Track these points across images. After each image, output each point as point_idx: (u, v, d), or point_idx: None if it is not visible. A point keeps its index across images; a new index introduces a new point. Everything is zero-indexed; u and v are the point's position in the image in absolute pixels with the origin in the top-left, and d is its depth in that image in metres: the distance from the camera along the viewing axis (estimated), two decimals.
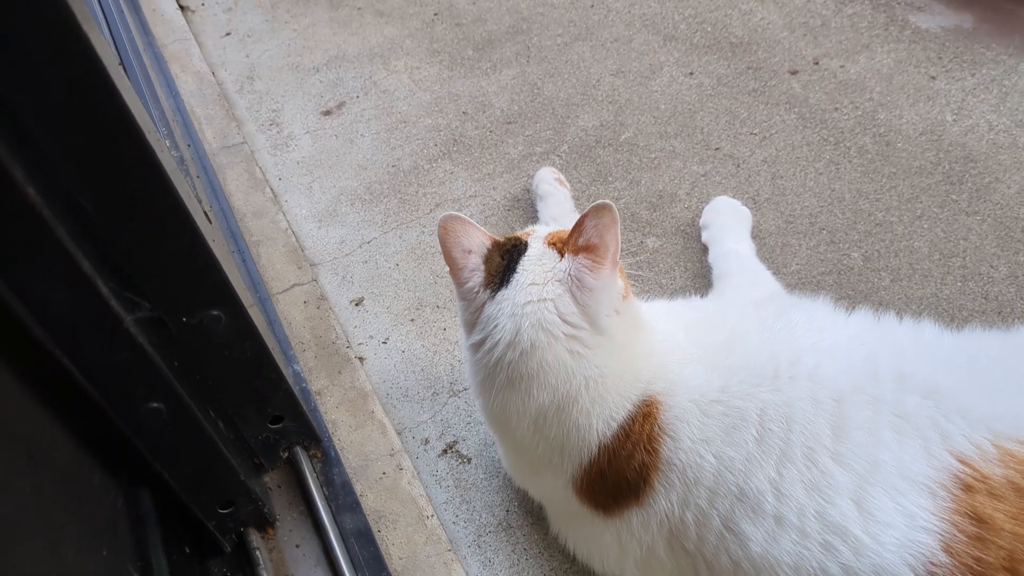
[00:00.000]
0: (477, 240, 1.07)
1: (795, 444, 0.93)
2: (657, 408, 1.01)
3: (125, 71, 1.23)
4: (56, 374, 0.75)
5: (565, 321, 0.99)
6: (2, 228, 0.65)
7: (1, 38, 0.61)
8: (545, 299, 0.99)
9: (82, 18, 0.65)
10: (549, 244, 1.06)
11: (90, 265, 0.70)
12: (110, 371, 0.78)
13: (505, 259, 1.04)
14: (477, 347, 1.04)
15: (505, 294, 1.01)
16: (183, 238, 0.79)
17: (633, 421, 1.00)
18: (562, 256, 1.03)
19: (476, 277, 1.05)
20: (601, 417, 1.00)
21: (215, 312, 0.87)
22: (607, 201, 0.98)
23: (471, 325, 1.05)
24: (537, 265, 1.03)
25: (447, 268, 1.09)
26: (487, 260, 1.06)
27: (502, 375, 1.00)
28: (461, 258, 1.06)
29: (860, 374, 0.98)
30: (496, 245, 1.07)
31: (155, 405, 0.83)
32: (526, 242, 1.07)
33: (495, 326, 1.01)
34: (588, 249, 1.00)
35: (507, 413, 1.03)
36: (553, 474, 1.06)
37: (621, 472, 1.00)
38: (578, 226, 1.01)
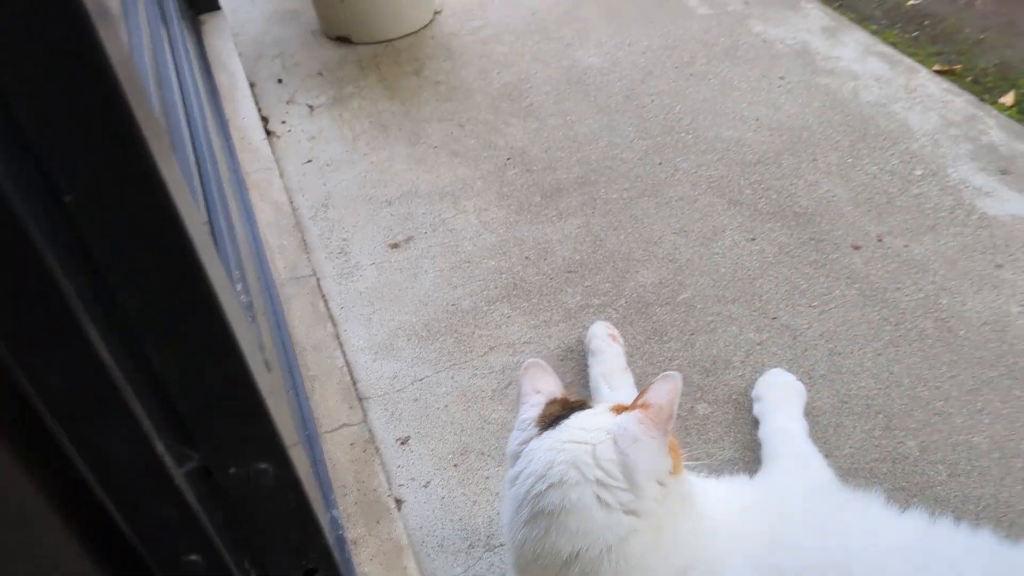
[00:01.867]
0: (550, 387, 1.14)
1: None
2: None
3: (210, 220, 1.29)
4: (103, 523, 0.77)
5: (600, 466, 0.99)
6: (76, 388, 0.68)
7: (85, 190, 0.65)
8: (587, 442, 1.01)
9: (173, 187, 0.69)
10: (610, 408, 1.09)
11: (151, 424, 0.72)
12: (154, 523, 0.79)
13: (564, 410, 1.08)
14: (513, 480, 1.05)
15: (551, 433, 1.04)
16: (241, 394, 0.81)
17: None
18: (617, 417, 1.05)
19: (534, 411, 1.10)
20: None
21: (263, 465, 0.89)
22: (675, 372, 1.04)
23: (514, 458, 1.07)
24: (591, 417, 1.06)
25: (519, 400, 1.16)
26: (549, 404, 1.11)
27: (526, 509, 1.00)
28: (530, 393, 1.13)
29: None
30: (564, 399, 1.13)
31: (193, 558, 0.83)
32: (590, 405, 1.10)
33: (532, 459, 1.02)
34: (644, 407, 1.03)
35: (523, 554, 1.01)
36: None
37: None
38: (642, 392, 1.06)
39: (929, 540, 1.06)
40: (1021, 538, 1.06)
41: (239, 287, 1.25)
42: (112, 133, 0.63)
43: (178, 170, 0.79)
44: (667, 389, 1.03)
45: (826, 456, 1.46)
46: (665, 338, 1.76)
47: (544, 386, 1.14)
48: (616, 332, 1.71)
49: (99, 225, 0.69)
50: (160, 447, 0.74)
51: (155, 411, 0.73)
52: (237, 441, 0.85)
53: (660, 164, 2.23)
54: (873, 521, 1.09)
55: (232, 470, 0.87)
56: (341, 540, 1.25)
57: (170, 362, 0.76)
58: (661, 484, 1.01)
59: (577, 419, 1.05)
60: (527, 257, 2.00)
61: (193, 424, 0.81)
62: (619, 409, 1.07)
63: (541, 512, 0.99)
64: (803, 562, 0.99)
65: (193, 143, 1.44)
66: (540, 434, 1.06)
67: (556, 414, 1.08)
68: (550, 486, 0.99)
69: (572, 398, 1.14)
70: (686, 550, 1.01)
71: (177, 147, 1.26)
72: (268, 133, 2.44)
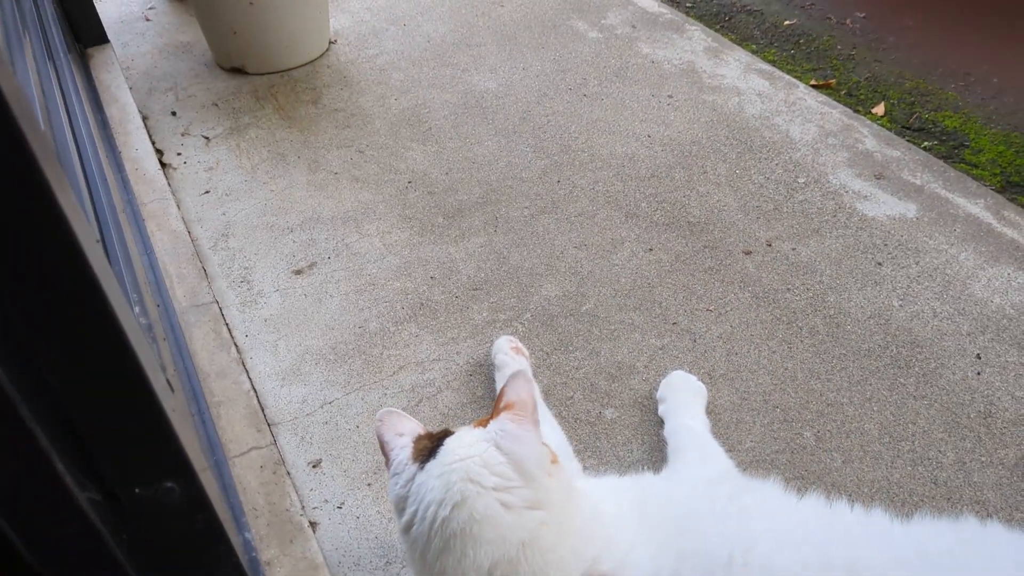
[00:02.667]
0: (410, 428, 1.14)
1: None
2: None
3: (103, 240, 1.27)
4: (3, 551, 0.75)
5: (493, 472, 1.01)
6: None
7: None
8: (472, 456, 1.02)
9: (64, 202, 0.69)
10: (475, 425, 1.11)
11: (48, 442, 0.71)
12: (56, 545, 0.77)
13: (434, 442, 1.09)
14: (410, 523, 1.04)
15: (433, 462, 1.05)
16: (144, 413, 0.80)
17: None
18: (486, 427, 1.08)
19: (405, 452, 1.09)
20: None
21: (169, 484, 0.87)
22: (520, 370, 1.09)
23: (402, 501, 1.07)
24: (464, 436, 1.08)
25: (382, 454, 1.14)
26: (417, 441, 1.11)
27: (436, 539, 1.00)
28: (393, 440, 1.12)
29: (812, 564, 0.98)
30: (428, 434, 1.13)
31: None
32: (454, 431, 1.12)
33: (425, 491, 1.02)
34: (509, 407, 1.07)
35: None
36: None
37: None
38: (499, 396, 1.09)
39: (826, 520, 1.11)
40: (911, 515, 1.12)
41: (137, 310, 1.23)
42: (3, 158, 0.62)
43: (71, 192, 0.79)
44: (521, 383, 1.08)
45: (729, 450, 1.51)
46: (571, 348, 1.80)
47: (404, 428, 1.14)
48: (520, 345, 1.74)
49: None
50: (60, 468, 0.72)
51: (55, 431, 0.72)
52: (142, 460, 0.84)
53: (559, 182, 2.28)
54: (773, 505, 1.14)
55: (137, 490, 0.86)
56: (255, 562, 1.23)
57: (68, 380, 0.75)
58: (549, 475, 1.04)
59: (452, 441, 1.06)
60: (432, 277, 2.02)
61: (95, 444, 0.79)
62: (484, 422, 1.09)
63: (453, 535, 0.99)
64: (708, 545, 1.02)
65: (84, 173, 1.41)
66: (422, 467, 1.06)
67: (429, 447, 1.08)
68: (454, 507, 0.99)
69: (435, 431, 1.14)
70: (593, 539, 1.03)
71: (68, 176, 1.24)
72: (163, 165, 2.39)
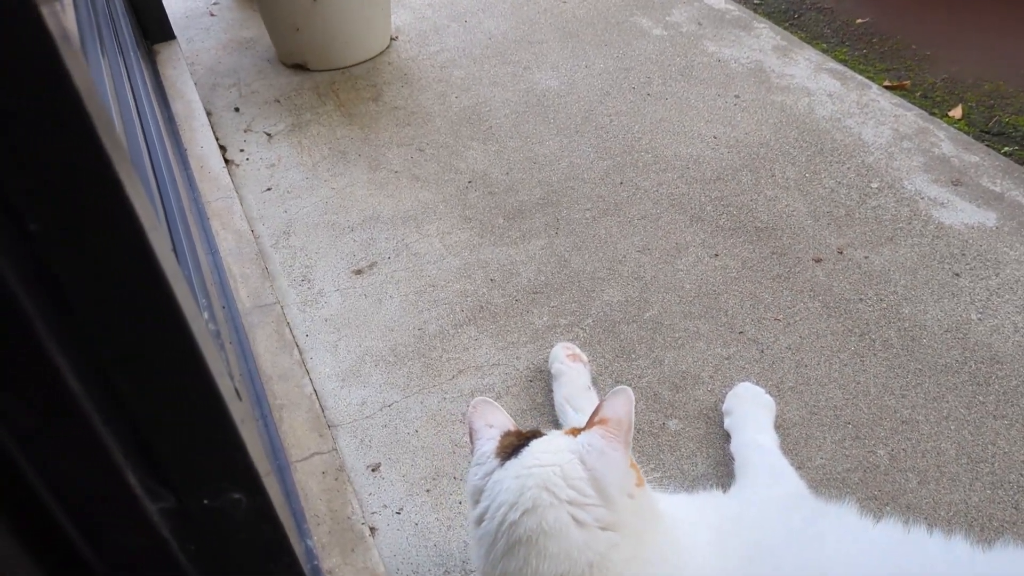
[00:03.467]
0: (501, 420, 1.13)
1: None
2: None
3: (173, 243, 1.27)
4: (72, 557, 0.74)
5: (571, 485, 0.98)
6: (41, 416, 0.65)
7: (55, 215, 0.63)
8: (553, 464, 1.00)
9: (139, 209, 0.68)
10: (567, 432, 1.09)
11: (122, 456, 0.70)
12: (127, 556, 0.76)
13: (520, 440, 1.08)
14: (481, 517, 1.03)
15: (515, 461, 1.03)
16: (214, 423, 0.79)
17: None
18: (576, 437, 1.05)
19: (491, 444, 1.08)
20: None
21: (236, 495, 0.86)
22: (625, 386, 1.05)
23: (478, 493, 1.06)
24: (551, 441, 1.06)
25: (468, 440, 1.14)
26: (505, 435, 1.10)
27: (502, 541, 0.98)
28: (482, 429, 1.11)
29: None
30: (517, 431, 1.12)
31: None
32: (544, 433, 1.10)
33: (500, 489, 1.01)
34: (603, 422, 1.04)
35: None
36: None
37: None
38: (596, 410, 1.06)
39: (904, 548, 1.06)
40: (992, 542, 1.07)
41: (206, 315, 1.23)
42: (79, 159, 0.61)
43: (145, 196, 0.78)
44: (621, 402, 1.04)
45: (798, 468, 1.46)
46: (633, 356, 1.76)
47: (496, 420, 1.13)
48: (578, 351, 1.70)
49: (65, 253, 0.67)
50: (132, 480, 0.72)
51: (127, 442, 0.71)
52: (210, 471, 0.83)
53: (621, 183, 2.24)
54: (848, 531, 1.10)
55: (205, 501, 0.85)
56: (316, 570, 1.22)
57: (140, 391, 0.74)
58: (630, 496, 1.01)
59: (538, 444, 1.05)
60: (492, 279, 2.00)
61: (165, 455, 0.78)
62: (575, 432, 1.07)
63: (519, 541, 0.97)
64: (782, 573, 0.98)
65: (154, 172, 1.41)
66: (502, 464, 1.04)
67: (514, 444, 1.07)
68: (524, 512, 0.97)
69: (525, 430, 1.13)
70: (665, 564, 1.00)
71: (140, 176, 1.24)
72: (227, 162, 2.41)
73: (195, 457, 0.79)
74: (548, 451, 1.03)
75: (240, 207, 2.12)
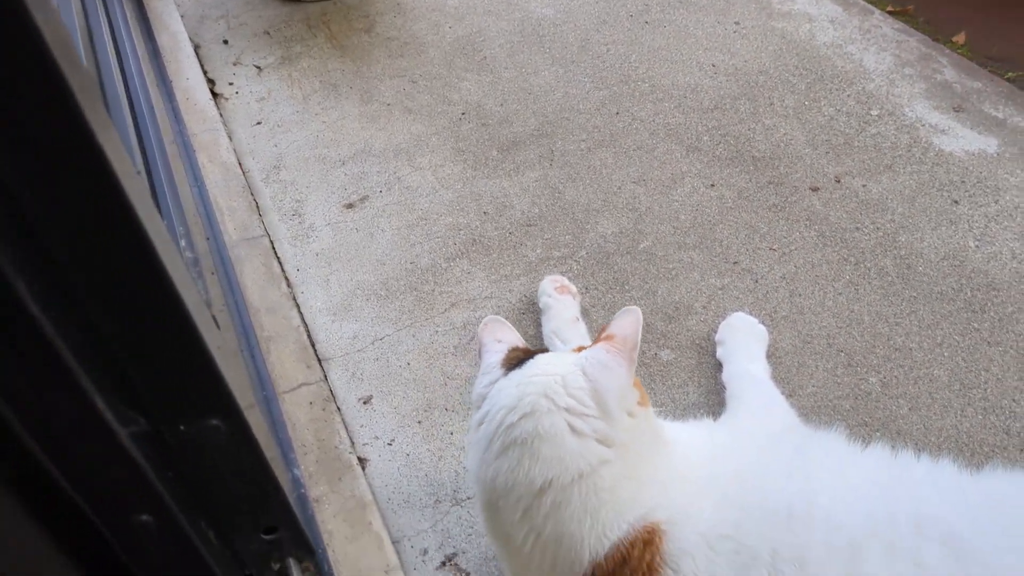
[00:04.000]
0: (511, 337, 1.15)
1: None
2: (660, 537, 0.97)
3: (149, 172, 1.24)
4: (42, 482, 0.74)
5: (570, 394, 0.99)
6: (6, 342, 0.64)
7: (13, 137, 0.62)
8: (554, 373, 1.01)
9: (98, 128, 0.66)
10: (573, 350, 1.10)
11: (89, 380, 0.69)
12: (100, 483, 0.76)
13: (526, 355, 1.09)
14: (480, 421, 1.05)
15: (517, 372, 1.04)
16: (187, 350, 0.78)
17: (632, 546, 0.97)
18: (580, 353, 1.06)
19: (499, 356, 1.10)
20: (593, 531, 0.97)
21: (214, 422, 0.86)
22: (634, 307, 1.07)
23: (480, 399, 1.07)
24: (556, 356, 1.07)
25: (478, 355, 1.16)
26: (512, 350, 1.11)
27: (498, 442, 1.00)
28: (491, 343, 1.13)
29: (876, 517, 0.94)
30: (525, 348, 1.14)
31: (144, 518, 0.80)
32: (550, 350, 1.12)
33: (501, 395, 1.02)
34: (609, 338, 1.04)
35: (496, 488, 1.00)
36: None
37: None
38: (603, 327, 1.08)
39: (892, 473, 1.06)
40: (982, 466, 1.06)
41: (183, 243, 1.21)
42: (37, 81, 0.59)
43: (109, 121, 0.76)
44: (629, 321, 1.05)
45: (790, 396, 1.46)
46: (627, 287, 1.74)
47: (505, 337, 1.14)
48: (567, 282, 1.69)
49: (25, 176, 0.65)
50: (102, 405, 0.71)
51: (96, 369, 0.70)
52: (185, 397, 0.82)
53: (617, 114, 2.20)
54: (836, 458, 1.09)
55: (182, 427, 0.85)
56: (303, 499, 1.23)
57: (110, 317, 0.73)
58: (630, 415, 1.02)
59: (542, 357, 1.06)
60: (485, 212, 1.97)
61: (138, 381, 0.77)
62: (580, 349, 1.07)
63: (514, 442, 0.98)
64: (769, 499, 0.98)
65: (130, 101, 1.38)
66: (506, 374, 1.06)
67: (520, 358, 1.08)
68: (522, 416, 0.98)
69: (532, 348, 1.14)
70: (654, 488, 1.00)
71: (112, 104, 1.21)
72: (215, 95, 2.37)
73: (167, 383, 0.79)
74: (551, 363, 1.04)
75: (227, 140, 2.08)
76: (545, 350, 1.12)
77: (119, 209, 0.69)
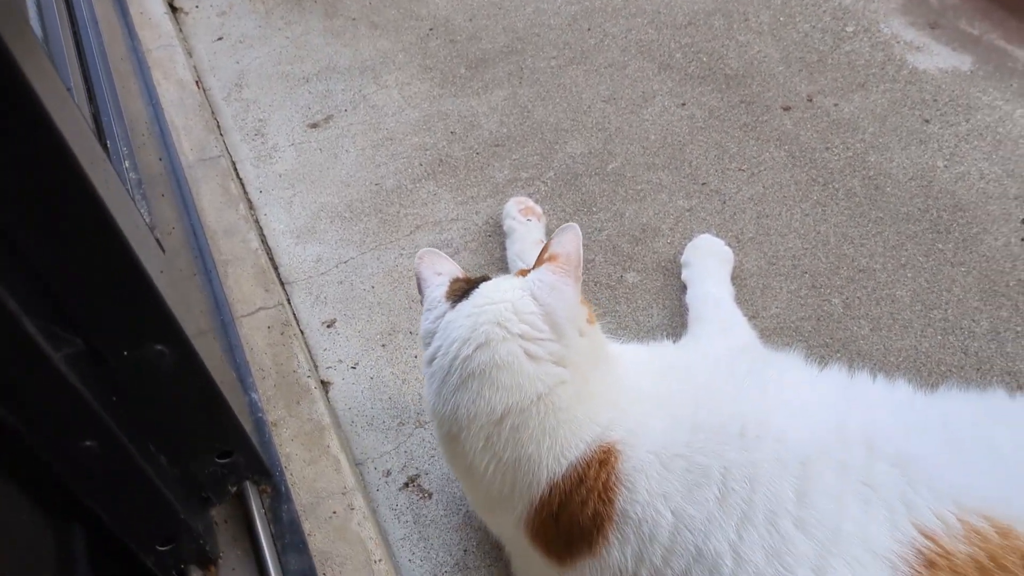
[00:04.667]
0: (449, 268, 1.13)
1: (758, 507, 0.90)
2: (615, 456, 0.98)
3: (90, 91, 1.20)
4: None
5: (523, 320, 0.99)
6: None
7: None
8: (504, 300, 1.01)
9: (19, 53, 0.62)
10: (516, 274, 1.09)
11: (15, 303, 0.67)
12: (38, 408, 0.75)
13: (469, 285, 1.08)
14: (433, 357, 1.05)
15: (465, 303, 1.04)
16: (123, 273, 0.76)
17: (588, 466, 0.98)
18: (526, 276, 1.06)
19: (441, 290, 1.09)
20: (551, 452, 0.98)
21: (159, 347, 0.84)
22: (572, 223, 1.06)
23: (430, 336, 1.07)
24: (501, 282, 1.06)
25: (418, 291, 1.15)
26: (453, 281, 1.10)
27: (455, 375, 1.00)
28: (431, 277, 1.12)
29: (828, 437, 0.95)
30: (466, 278, 1.12)
31: (88, 443, 0.80)
32: (492, 278, 1.10)
33: (452, 328, 1.02)
34: (553, 259, 1.04)
35: (458, 420, 1.01)
36: (505, 511, 1.04)
37: (574, 519, 0.98)
38: (544, 248, 1.07)
39: (846, 393, 1.06)
40: (937, 386, 1.07)
41: (126, 164, 1.18)
42: None
43: (31, 34, 0.72)
44: (569, 238, 1.05)
45: (753, 317, 1.46)
46: (594, 208, 1.72)
47: (444, 268, 1.13)
48: (532, 204, 1.66)
49: None
50: (30, 328, 0.69)
51: (19, 288, 0.68)
52: (124, 321, 0.80)
53: (589, 30, 2.15)
54: (792, 379, 1.10)
55: (125, 353, 0.83)
56: (260, 422, 1.23)
57: (37, 238, 0.70)
58: (581, 334, 1.02)
59: (487, 285, 1.05)
60: (452, 132, 1.93)
61: (72, 304, 0.76)
62: (523, 273, 1.07)
63: (471, 374, 0.98)
64: (722, 418, 0.98)
65: (71, 15, 1.33)
66: (453, 307, 1.05)
67: (464, 288, 1.07)
68: (477, 347, 0.98)
69: (473, 276, 1.13)
70: (609, 406, 1.01)
71: (46, 16, 1.16)
72: (175, 10, 2.29)
73: (103, 305, 0.77)
74: (498, 290, 1.03)
75: (185, 56, 2.02)
76: (486, 276, 1.11)
77: (42, 128, 0.66)
